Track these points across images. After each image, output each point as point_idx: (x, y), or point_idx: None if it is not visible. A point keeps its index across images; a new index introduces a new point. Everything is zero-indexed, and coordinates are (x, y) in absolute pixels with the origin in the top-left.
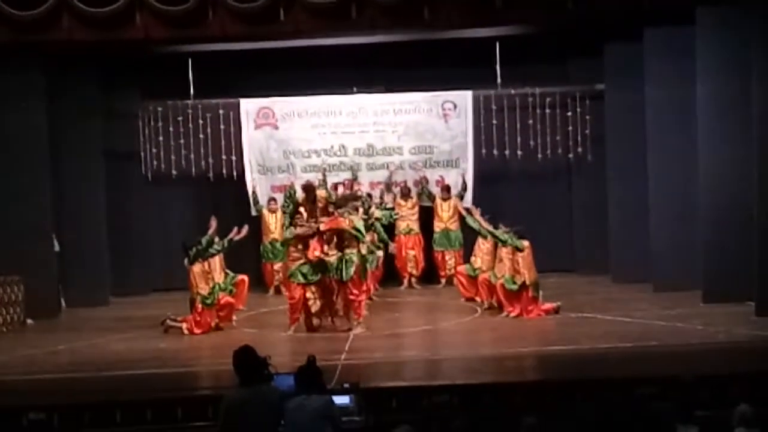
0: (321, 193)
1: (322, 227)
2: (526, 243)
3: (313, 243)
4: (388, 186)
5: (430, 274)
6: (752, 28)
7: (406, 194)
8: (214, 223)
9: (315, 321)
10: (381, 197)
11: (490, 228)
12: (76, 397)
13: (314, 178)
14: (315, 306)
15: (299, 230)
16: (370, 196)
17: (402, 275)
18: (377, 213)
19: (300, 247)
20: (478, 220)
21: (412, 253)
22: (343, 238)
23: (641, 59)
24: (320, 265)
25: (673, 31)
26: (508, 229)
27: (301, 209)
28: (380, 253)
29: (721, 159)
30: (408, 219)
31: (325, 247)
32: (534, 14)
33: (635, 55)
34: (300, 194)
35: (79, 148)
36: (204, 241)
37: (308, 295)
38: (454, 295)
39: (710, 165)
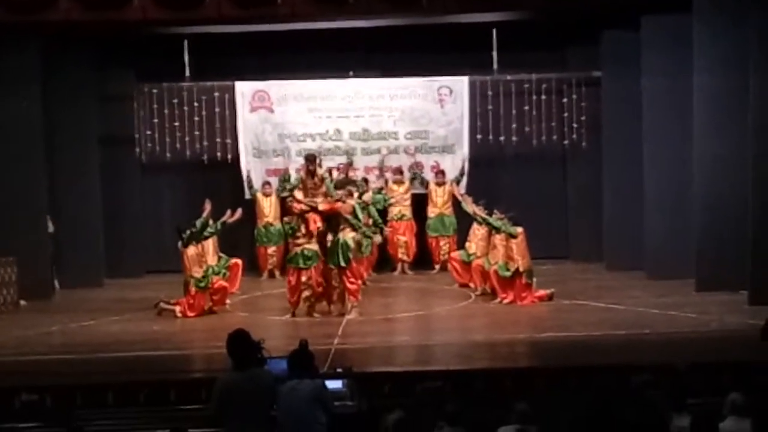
0: (320, 171)
1: (321, 207)
2: (519, 230)
3: (310, 216)
4: (381, 170)
5: (424, 260)
6: (749, 17)
7: (398, 179)
8: (208, 206)
9: (307, 305)
10: (376, 183)
11: (484, 215)
12: (68, 378)
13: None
14: (307, 291)
15: (303, 204)
16: (366, 180)
17: (395, 261)
18: (367, 197)
19: (303, 230)
20: (471, 207)
21: (403, 239)
22: (338, 221)
23: (638, 47)
24: (320, 249)
25: (671, 19)
26: (502, 215)
27: (296, 193)
28: (378, 238)
29: (716, 148)
30: (400, 204)
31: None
32: (531, 0)
33: (632, 43)
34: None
35: (74, 129)
36: (198, 223)
37: (303, 279)
38: (448, 280)
39: (705, 154)
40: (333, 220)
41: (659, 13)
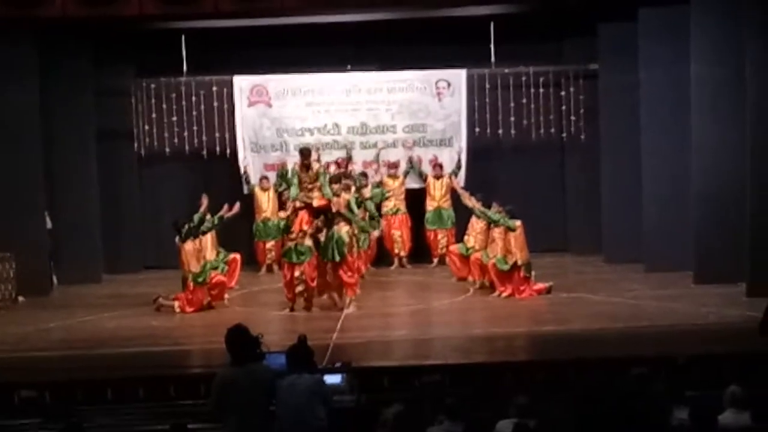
0: (315, 165)
1: (315, 203)
2: (518, 223)
3: (302, 215)
4: (376, 164)
5: (422, 253)
6: (746, 10)
7: (393, 173)
8: (205, 201)
9: (302, 299)
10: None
11: (482, 208)
12: (68, 374)
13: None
14: (300, 286)
15: (299, 201)
16: (365, 175)
17: (392, 255)
18: (366, 191)
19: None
20: (470, 201)
21: (398, 233)
22: (333, 216)
23: (635, 39)
24: (315, 245)
25: (668, 12)
26: (500, 208)
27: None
28: (376, 233)
29: (713, 140)
30: (395, 198)
31: (314, 222)
32: None
33: (630, 35)
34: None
35: (72, 124)
36: (196, 218)
37: (296, 274)
38: (447, 274)
39: (703, 146)
40: (328, 215)
41: (656, 4)
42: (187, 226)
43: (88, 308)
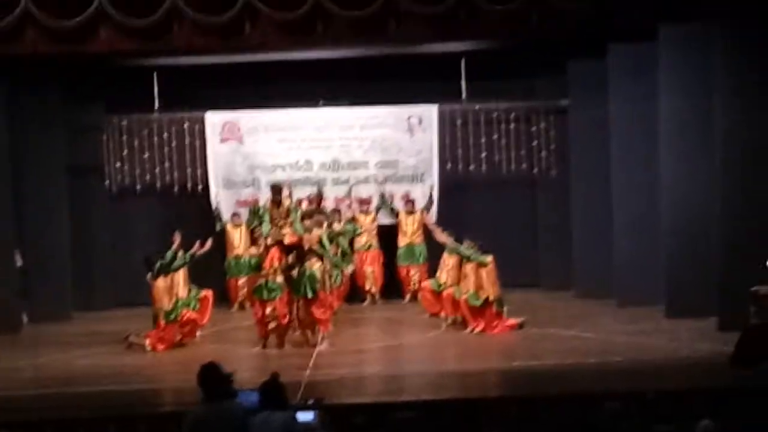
0: (286, 202)
1: (287, 240)
2: (489, 258)
3: (273, 252)
4: (348, 200)
5: (394, 290)
6: (715, 46)
7: (365, 209)
8: (178, 238)
9: (274, 337)
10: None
11: (454, 244)
12: (38, 413)
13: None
14: (272, 323)
15: (270, 238)
16: (338, 212)
17: (363, 292)
18: (337, 227)
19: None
20: (441, 237)
21: (370, 269)
22: (305, 253)
23: (605, 75)
24: (286, 282)
25: (637, 48)
26: (472, 244)
27: (264, 227)
28: (350, 268)
29: (683, 175)
30: (367, 234)
31: (285, 259)
32: (498, 29)
33: (599, 72)
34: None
35: (42, 162)
36: (168, 255)
37: (267, 311)
38: (419, 310)
39: (673, 181)
40: (299, 251)
41: (625, 41)
42: (159, 263)
43: (58, 346)
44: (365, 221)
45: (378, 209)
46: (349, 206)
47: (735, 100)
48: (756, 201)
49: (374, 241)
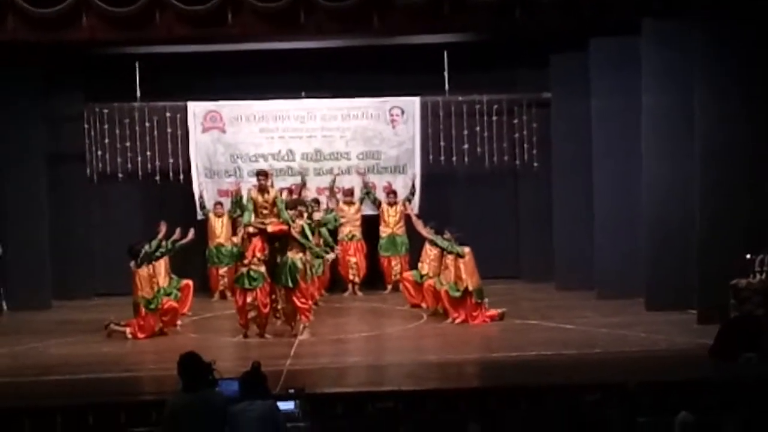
0: (272, 190)
1: (270, 229)
2: (466, 249)
3: (255, 241)
4: (332, 191)
5: (376, 280)
6: (696, 41)
7: (348, 200)
8: (163, 228)
9: (255, 326)
10: (327, 204)
11: (432, 236)
12: (16, 401)
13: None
14: (252, 312)
15: (252, 227)
16: (317, 201)
17: (345, 282)
18: (317, 216)
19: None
20: (421, 229)
21: (353, 260)
22: (287, 242)
23: (587, 69)
24: (267, 271)
25: (619, 42)
26: (452, 235)
27: (245, 216)
28: (330, 256)
29: (663, 168)
30: (351, 225)
31: (268, 248)
32: (481, 22)
33: (581, 65)
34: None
35: (22, 150)
36: (153, 244)
37: (248, 300)
38: (400, 301)
39: (653, 174)
40: (282, 241)
41: (607, 35)
42: (143, 251)
43: (37, 334)
44: (349, 211)
45: (362, 200)
46: (330, 196)
47: (715, 95)
48: (735, 194)
49: (358, 232)
